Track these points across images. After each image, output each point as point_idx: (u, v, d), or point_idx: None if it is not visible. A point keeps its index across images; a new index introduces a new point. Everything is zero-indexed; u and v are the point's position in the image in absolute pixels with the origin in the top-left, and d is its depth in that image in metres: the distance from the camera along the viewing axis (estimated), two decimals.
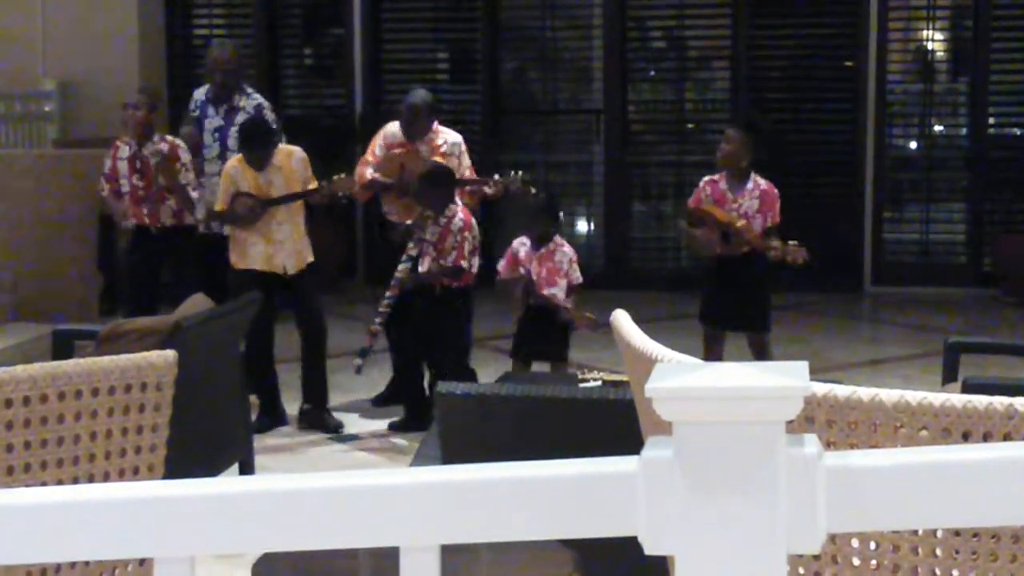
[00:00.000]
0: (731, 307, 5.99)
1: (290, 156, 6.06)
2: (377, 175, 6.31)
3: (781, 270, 6.08)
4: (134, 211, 6.39)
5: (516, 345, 5.90)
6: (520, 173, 6.47)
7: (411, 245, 5.91)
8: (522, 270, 5.82)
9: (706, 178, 6.09)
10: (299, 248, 6.06)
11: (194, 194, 6.35)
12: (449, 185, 5.96)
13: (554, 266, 5.79)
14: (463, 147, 6.34)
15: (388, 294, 5.91)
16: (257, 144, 5.98)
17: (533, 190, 6.31)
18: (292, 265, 6.03)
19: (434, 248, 5.87)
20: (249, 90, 6.91)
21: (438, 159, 6.18)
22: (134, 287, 6.52)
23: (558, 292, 5.78)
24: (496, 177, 6.40)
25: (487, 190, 6.31)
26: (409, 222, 6.05)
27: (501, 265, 5.95)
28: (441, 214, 5.87)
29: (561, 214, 6.09)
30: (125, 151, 6.33)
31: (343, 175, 6.14)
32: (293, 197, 5.98)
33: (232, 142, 6.57)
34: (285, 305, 6.16)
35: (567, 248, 5.90)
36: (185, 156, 6.35)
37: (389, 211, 6.41)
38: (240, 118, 6.64)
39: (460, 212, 5.95)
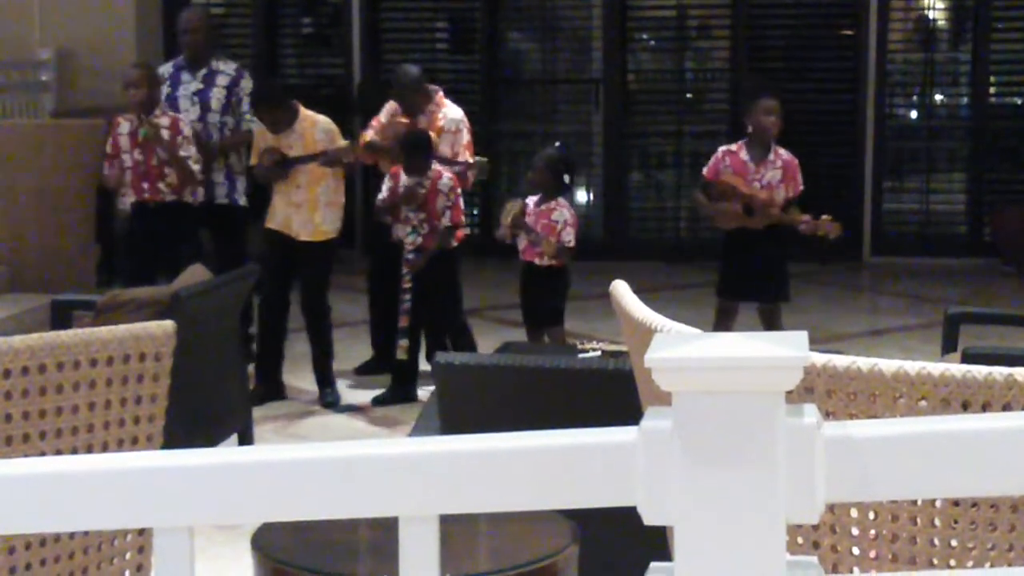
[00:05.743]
0: (752, 279, 5.92)
1: (315, 125, 6.04)
2: (376, 138, 6.32)
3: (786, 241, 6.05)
4: (135, 187, 6.33)
5: (523, 310, 5.92)
6: (483, 160, 6.42)
7: (409, 240, 5.87)
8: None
9: (723, 148, 5.96)
10: (314, 218, 6.02)
11: (195, 167, 6.29)
12: (426, 149, 5.94)
13: (549, 223, 5.78)
14: (464, 124, 6.29)
15: (405, 286, 5.86)
16: (266, 107, 5.98)
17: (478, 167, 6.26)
18: (304, 233, 6.01)
19: (424, 216, 5.86)
20: (226, 59, 6.89)
21: (434, 135, 6.17)
22: (133, 265, 6.46)
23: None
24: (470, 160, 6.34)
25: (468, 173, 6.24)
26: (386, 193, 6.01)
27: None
28: (423, 177, 5.86)
29: (566, 177, 6.00)
30: (126, 127, 6.28)
31: (348, 142, 6.12)
32: (303, 160, 5.96)
33: (215, 104, 6.56)
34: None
35: (567, 211, 5.86)
36: (187, 129, 6.29)
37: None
38: (221, 80, 6.62)
39: (445, 172, 5.95)
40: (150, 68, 6.47)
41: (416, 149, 5.90)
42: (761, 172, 5.81)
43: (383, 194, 6.00)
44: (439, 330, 5.96)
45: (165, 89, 6.55)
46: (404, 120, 6.27)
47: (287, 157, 5.99)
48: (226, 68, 6.73)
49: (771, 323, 5.97)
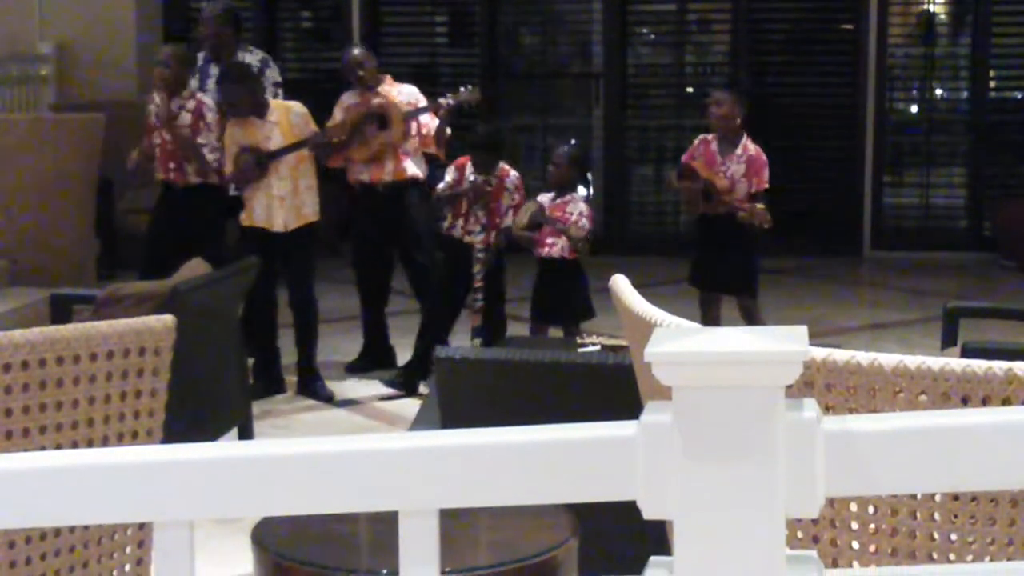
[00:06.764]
0: (713, 268, 6.05)
1: (288, 111, 6.02)
2: (342, 134, 6.27)
3: (776, 233, 6.10)
4: (163, 166, 6.29)
5: (533, 305, 5.93)
6: (472, 86, 6.42)
7: (479, 238, 5.88)
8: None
9: (701, 136, 6.12)
10: (297, 205, 6.02)
11: (211, 156, 6.23)
12: (497, 147, 5.99)
13: (563, 215, 5.82)
14: (419, 94, 6.35)
15: (476, 285, 5.88)
16: (229, 92, 5.96)
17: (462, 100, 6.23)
18: (291, 222, 6.00)
19: (487, 213, 5.89)
20: (251, 48, 6.91)
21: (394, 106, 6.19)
22: (150, 246, 6.37)
23: (560, 242, 5.79)
24: (445, 97, 6.26)
25: (440, 111, 6.21)
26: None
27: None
28: (493, 175, 5.89)
29: (590, 174, 6.10)
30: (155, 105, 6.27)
31: (338, 120, 6.09)
32: (289, 149, 5.95)
33: None
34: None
35: (582, 204, 5.92)
36: (210, 116, 6.24)
37: (360, 171, 6.33)
38: None
39: (512, 171, 6.01)
40: (180, 48, 6.45)
41: (484, 146, 5.93)
42: (726, 165, 5.92)
43: (444, 185, 6.00)
44: (498, 324, 6.00)
45: (194, 82, 6.53)
46: (364, 102, 6.24)
47: (263, 154, 5.95)
48: (252, 59, 6.71)
49: (749, 319, 6.03)
